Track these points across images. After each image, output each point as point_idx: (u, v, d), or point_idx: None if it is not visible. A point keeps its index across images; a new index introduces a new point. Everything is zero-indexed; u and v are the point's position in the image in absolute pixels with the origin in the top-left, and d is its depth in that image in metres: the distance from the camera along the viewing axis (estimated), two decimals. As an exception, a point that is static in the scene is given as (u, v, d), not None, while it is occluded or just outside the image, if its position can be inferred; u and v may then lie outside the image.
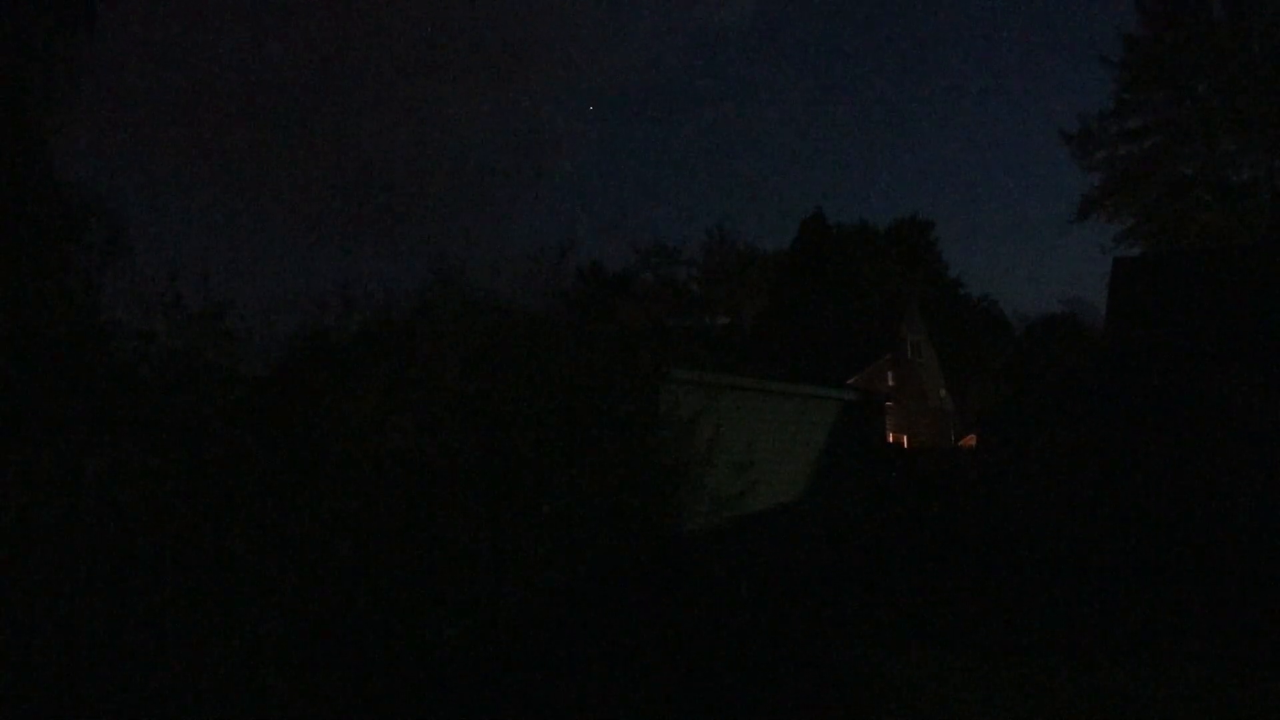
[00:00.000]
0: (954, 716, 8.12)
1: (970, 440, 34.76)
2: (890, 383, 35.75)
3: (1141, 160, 40.49)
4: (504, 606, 8.47)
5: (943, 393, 46.76)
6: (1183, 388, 18.74)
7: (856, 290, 58.48)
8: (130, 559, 6.87)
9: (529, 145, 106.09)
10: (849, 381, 27.77)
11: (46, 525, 6.79)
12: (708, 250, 69.28)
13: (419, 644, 7.81)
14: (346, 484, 7.88)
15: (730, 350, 29.16)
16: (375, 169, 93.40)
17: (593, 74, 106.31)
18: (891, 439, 31.86)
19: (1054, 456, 19.60)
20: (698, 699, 8.63)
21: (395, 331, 9.86)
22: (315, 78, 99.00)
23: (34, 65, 17.40)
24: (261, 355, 9.54)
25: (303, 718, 7.04)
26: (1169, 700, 8.44)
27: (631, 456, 10.49)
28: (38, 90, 17.36)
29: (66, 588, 6.60)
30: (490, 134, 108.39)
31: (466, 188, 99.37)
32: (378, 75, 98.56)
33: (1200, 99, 38.92)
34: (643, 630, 10.13)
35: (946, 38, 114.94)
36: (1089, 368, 25.23)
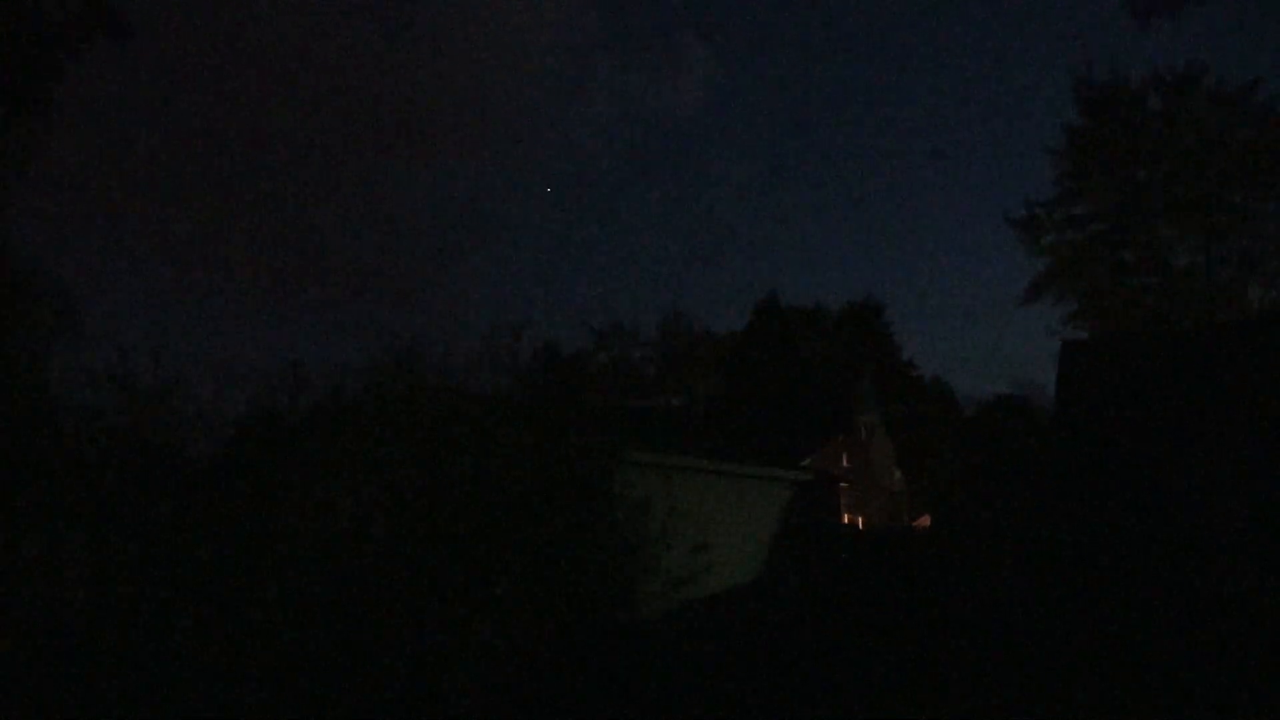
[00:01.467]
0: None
1: (924, 520, 34.89)
2: (844, 463, 35.93)
3: (1085, 245, 41.48)
4: (453, 699, 8.29)
5: (896, 473, 47.02)
6: (1127, 465, 19.05)
7: (810, 372, 58.97)
8: (68, 640, 6.69)
9: (483, 226, 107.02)
10: (803, 462, 27.87)
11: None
12: (663, 332, 69.78)
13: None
14: (293, 566, 7.75)
15: (685, 431, 29.19)
16: (327, 249, 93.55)
17: (546, 156, 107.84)
18: (846, 519, 31.89)
19: (1005, 534, 19.74)
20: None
21: (345, 413, 9.78)
22: (266, 157, 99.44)
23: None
24: (210, 434, 9.44)
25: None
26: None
27: (585, 538, 10.41)
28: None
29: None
30: (444, 215, 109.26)
31: (420, 267, 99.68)
32: (330, 156, 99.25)
33: (1139, 186, 40.11)
34: None
35: (897, 125, 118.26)
36: (1038, 447, 25.57)
